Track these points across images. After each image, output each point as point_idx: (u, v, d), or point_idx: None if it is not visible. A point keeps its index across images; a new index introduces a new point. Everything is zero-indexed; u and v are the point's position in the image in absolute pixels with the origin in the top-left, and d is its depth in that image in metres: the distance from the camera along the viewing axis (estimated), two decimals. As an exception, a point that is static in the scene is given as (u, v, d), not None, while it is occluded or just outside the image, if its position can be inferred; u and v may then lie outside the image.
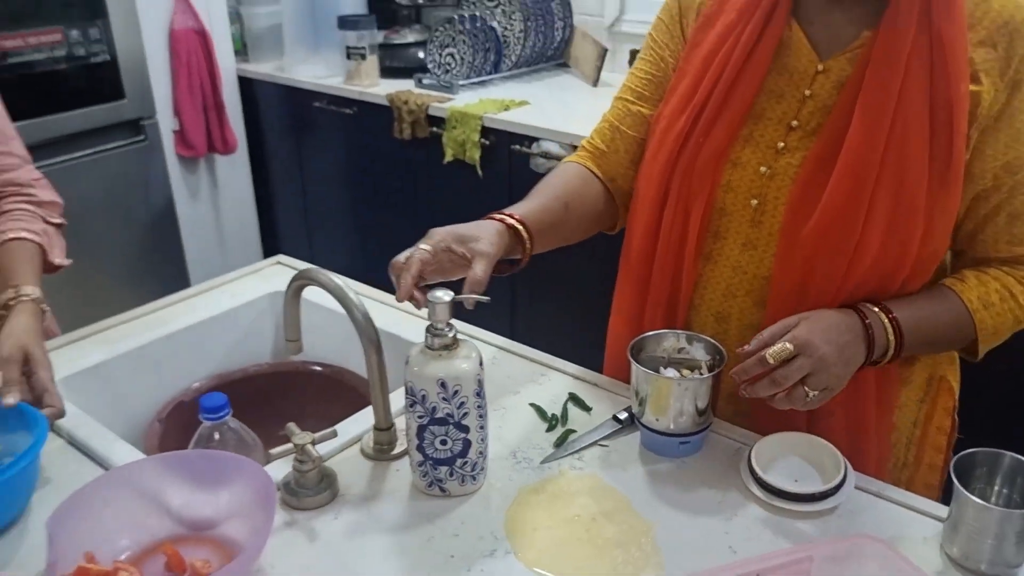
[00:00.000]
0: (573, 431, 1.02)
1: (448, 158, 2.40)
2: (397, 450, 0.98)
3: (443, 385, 0.84)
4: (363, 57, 2.59)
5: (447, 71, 2.58)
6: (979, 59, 0.89)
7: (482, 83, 2.58)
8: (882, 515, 0.89)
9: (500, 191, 2.34)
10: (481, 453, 0.91)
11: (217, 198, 2.96)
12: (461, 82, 2.53)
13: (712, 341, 0.97)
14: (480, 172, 2.35)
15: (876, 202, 0.89)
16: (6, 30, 2.16)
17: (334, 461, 0.97)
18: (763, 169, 0.97)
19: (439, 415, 0.86)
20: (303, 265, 1.45)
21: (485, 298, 0.87)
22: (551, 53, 2.74)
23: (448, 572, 0.82)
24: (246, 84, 2.91)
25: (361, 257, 2.86)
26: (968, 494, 0.79)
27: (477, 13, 2.59)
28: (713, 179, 0.99)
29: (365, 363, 0.94)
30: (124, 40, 2.40)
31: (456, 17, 2.57)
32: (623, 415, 1.02)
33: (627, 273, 1.11)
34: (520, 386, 1.11)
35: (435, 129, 2.41)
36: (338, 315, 1.26)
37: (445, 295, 0.84)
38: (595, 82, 2.58)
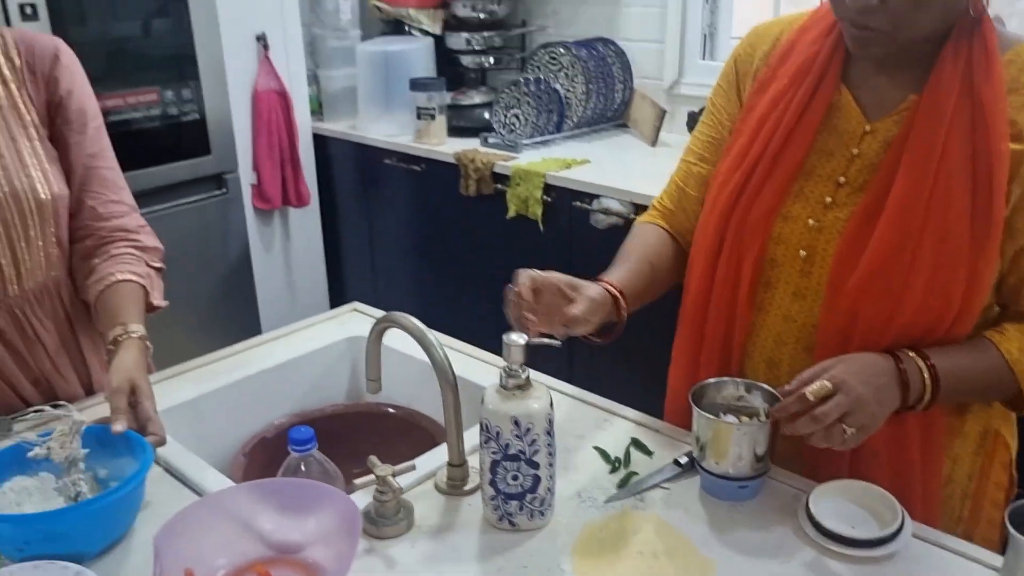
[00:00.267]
0: (635, 473, 1.06)
1: (511, 214, 2.49)
2: (469, 486, 1.04)
3: (516, 423, 0.91)
4: (432, 117, 2.72)
5: (512, 131, 2.69)
6: (1022, 121, 0.95)
7: (545, 142, 2.69)
8: (938, 563, 0.92)
9: (561, 246, 2.42)
10: (549, 490, 0.96)
11: (289, 248, 3.10)
12: (525, 141, 2.64)
13: (770, 389, 1.02)
14: (542, 227, 2.44)
15: (919, 255, 0.95)
16: (109, 90, 2.34)
17: (411, 494, 1.03)
18: (812, 222, 1.03)
19: (512, 451, 0.92)
20: (377, 312, 1.54)
21: (556, 342, 0.94)
22: (611, 114, 2.83)
23: (518, 600, 0.87)
24: (320, 141, 3.06)
25: (425, 307, 2.95)
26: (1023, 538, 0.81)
27: (541, 76, 2.71)
28: (765, 232, 1.05)
29: (441, 404, 1.01)
30: (213, 100, 2.57)
31: (521, 80, 2.68)
32: (684, 459, 1.07)
33: (684, 321, 1.17)
34: (584, 430, 1.17)
35: (499, 186, 2.51)
36: (412, 359, 1.35)
37: (520, 338, 0.91)
38: (654, 142, 2.66)
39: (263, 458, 1.26)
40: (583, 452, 1.12)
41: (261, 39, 2.77)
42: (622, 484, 1.05)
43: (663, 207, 1.23)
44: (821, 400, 0.91)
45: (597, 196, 2.28)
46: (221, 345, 1.47)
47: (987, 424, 1.08)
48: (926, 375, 0.96)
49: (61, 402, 1.10)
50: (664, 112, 2.65)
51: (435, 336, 0.99)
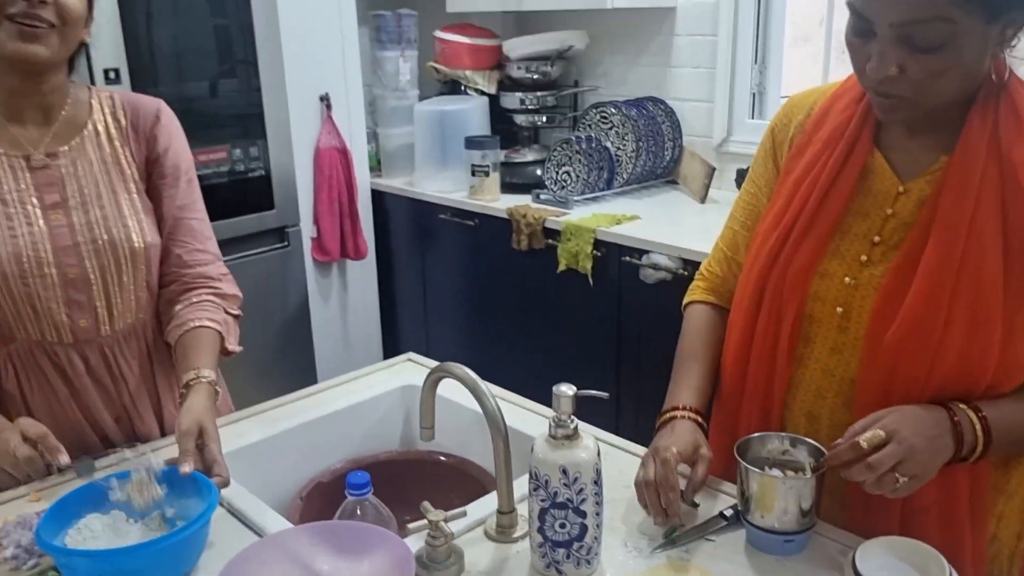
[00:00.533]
0: (681, 524, 1.08)
1: (562, 268, 2.54)
2: (518, 533, 1.07)
3: (564, 472, 0.94)
4: (486, 174, 2.80)
5: (563, 187, 2.76)
6: None
7: (595, 198, 2.74)
8: (987, 623, 0.91)
9: (610, 300, 2.46)
10: (596, 539, 0.99)
11: (346, 299, 3.19)
12: (576, 197, 2.70)
13: (815, 444, 1.03)
14: (592, 281, 2.48)
15: (954, 310, 0.97)
16: (183, 148, 2.47)
17: (461, 540, 1.06)
18: (848, 280, 1.06)
19: (560, 500, 0.95)
20: (431, 363, 1.59)
21: (604, 394, 0.98)
22: (661, 171, 2.88)
23: (564, 646, 0.89)
24: (378, 196, 3.17)
25: (476, 358, 2.98)
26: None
27: (592, 134, 2.78)
28: (802, 289, 1.08)
29: (490, 452, 1.04)
30: (278, 157, 2.69)
31: (573, 138, 2.76)
32: (729, 512, 1.08)
33: (724, 377, 1.20)
34: (630, 480, 1.18)
35: (550, 241, 2.57)
36: (463, 409, 1.39)
37: (569, 389, 0.95)
38: (703, 199, 2.69)
39: (319, 502, 1.30)
40: (629, 502, 1.14)
41: (324, 99, 2.90)
42: (667, 535, 1.06)
43: (711, 274, 1.29)
44: (875, 448, 0.93)
45: (646, 251, 2.31)
46: (278, 391, 1.54)
47: (1034, 483, 1.07)
48: (978, 427, 0.97)
49: (139, 445, 1.16)
50: (713, 169, 2.69)
51: (487, 387, 1.03)
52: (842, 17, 1.09)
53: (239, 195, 2.64)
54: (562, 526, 0.96)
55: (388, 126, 3.19)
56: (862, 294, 1.05)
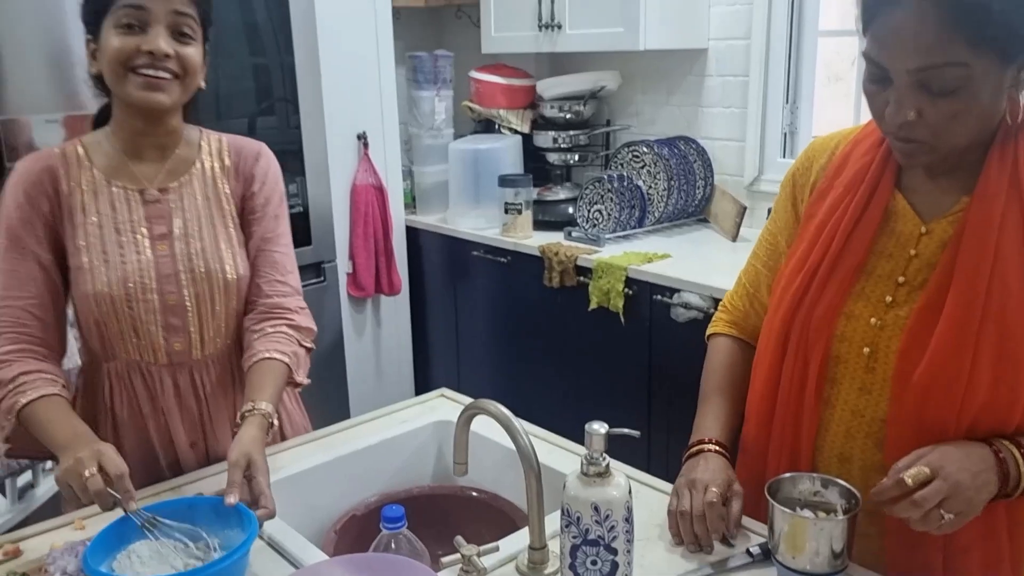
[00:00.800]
0: (711, 562, 1.09)
1: (593, 305, 2.56)
2: (549, 569, 1.08)
3: (596, 509, 0.95)
4: (519, 212, 2.85)
5: (595, 225, 2.79)
6: None
7: (627, 236, 2.77)
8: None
9: (641, 338, 2.47)
10: (627, 575, 0.99)
11: (379, 335, 3.23)
12: (607, 235, 2.72)
13: (847, 485, 1.03)
14: (623, 319, 2.49)
15: (981, 348, 0.98)
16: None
17: (493, 575, 1.08)
18: (874, 321, 1.07)
19: (591, 536, 0.96)
20: (464, 399, 1.61)
21: (636, 432, 0.99)
22: (692, 209, 2.90)
23: None
24: (412, 233, 3.22)
25: (507, 394, 3.00)
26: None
27: (624, 173, 2.81)
28: (828, 330, 1.09)
29: (522, 488, 1.06)
30: (315, 194, 2.75)
31: (605, 176, 2.79)
32: (755, 550, 1.09)
33: (750, 419, 1.22)
34: (660, 518, 1.19)
35: (582, 278, 2.59)
36: (496, 445, 1.41)
37: (601, 427, 0.97)
38: (735, 237, 2.70)
39: (352, 535, 1.32)
40: (659, 540, 1.14)
41: (362, 137, 2.98)
42: (696, 572, 1.07)
43: (734, 307, 1.31)
44: (920, 485, 0.93)
45: (678, 290, 2.33)
46: (312, 424, 1.57)
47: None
48: (1022, 462, 0.98)
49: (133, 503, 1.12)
50: (744, 208, 2.71)
51: (520, 423, 1.05)
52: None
53: (278, 231, 2.69)
54: (593, 563, 0.98)
55: (423, 164, 3.25)
56: (888, 334, 1.06)
